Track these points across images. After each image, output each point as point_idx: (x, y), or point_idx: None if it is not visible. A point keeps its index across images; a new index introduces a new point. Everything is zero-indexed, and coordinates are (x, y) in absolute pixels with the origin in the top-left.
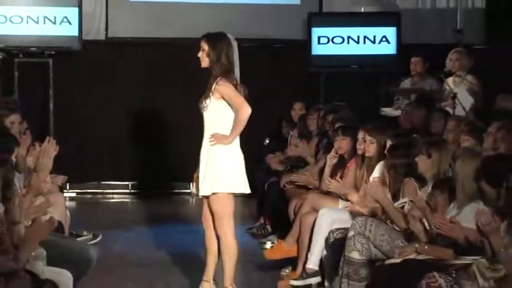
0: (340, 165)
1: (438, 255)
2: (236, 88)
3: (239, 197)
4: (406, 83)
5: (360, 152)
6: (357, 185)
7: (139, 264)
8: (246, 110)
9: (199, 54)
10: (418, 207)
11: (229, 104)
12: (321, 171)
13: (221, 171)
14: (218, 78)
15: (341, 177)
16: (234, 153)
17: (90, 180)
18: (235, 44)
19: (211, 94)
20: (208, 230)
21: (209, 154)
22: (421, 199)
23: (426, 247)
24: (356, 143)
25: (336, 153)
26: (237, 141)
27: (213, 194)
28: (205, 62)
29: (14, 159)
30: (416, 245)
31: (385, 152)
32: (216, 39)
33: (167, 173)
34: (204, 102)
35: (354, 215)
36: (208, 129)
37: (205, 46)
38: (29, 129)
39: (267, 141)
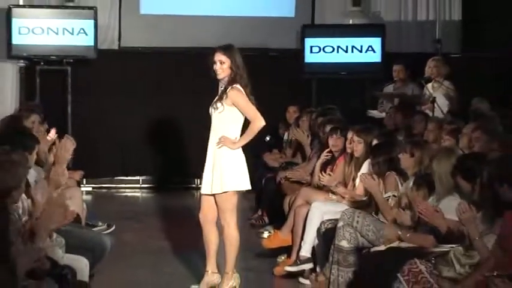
0: (329, 162)
1: (420, 243)
2: (248, 98)
3: (239, 190)
4: (389, 88)
5: (349, 150)
6: (345, 180)
7: (148, 252)
8: (260, 123)
9: (217, 67)
10: (407, 195)
11: (241, 111)
12: (313, 168)
13: (228, 171)
14: (233, 85)
15: (331, 171)
16: (237, 154)
17: (104, 176)
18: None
19: (224, 98)
20: (207, 224)
21: (215, 155)
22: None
23: (408, 235)
24: (344, 144)
25: (330, 152)
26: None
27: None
28: (224, 73)
29: (35, 156)
30: (399, 232)
31: (372, 149)
32: (234, 51)
33: (174, 169)
34: (215, 105)
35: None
36: (215, 131)
37: (224, 59)
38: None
39: (268, 138)
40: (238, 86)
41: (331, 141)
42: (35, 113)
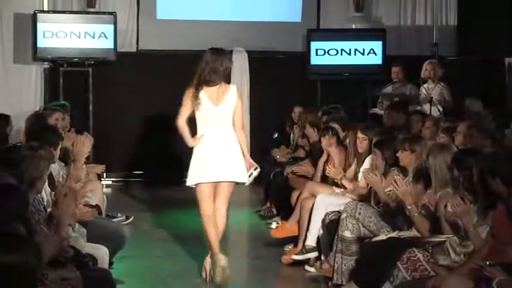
0: (326, 159)
1: (418, 223)
2: (195, 94)
3: (249, 184)
4: (388, 89)
5: (348, 146)
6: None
7: (165, 241)
8: (176, 122)
9: None
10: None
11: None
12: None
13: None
14: None
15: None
16: (195, 151)
17: (123, 170)
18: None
19: None
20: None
21: None
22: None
23: (416, 214)
24: (338, 140)
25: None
26: (204, 139)
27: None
28: None
29: (59, 152)
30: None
31: (375, 145)
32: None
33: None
34: None
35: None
36: None
37: None
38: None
39: (276, 135)
40: (190, 87)
41: (323, 141)
42: (58, 111)
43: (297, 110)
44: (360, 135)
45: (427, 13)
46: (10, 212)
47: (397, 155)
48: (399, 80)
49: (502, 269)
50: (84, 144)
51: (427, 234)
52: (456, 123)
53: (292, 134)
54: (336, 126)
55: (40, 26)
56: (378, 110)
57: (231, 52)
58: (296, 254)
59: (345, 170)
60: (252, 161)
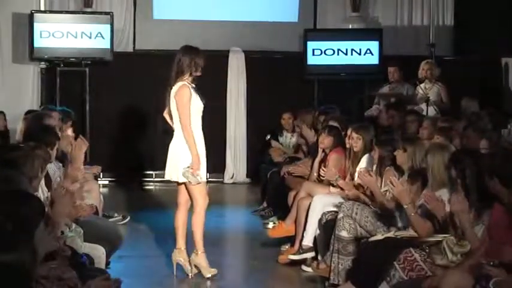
0: (322, 159)
1: (419, 225)
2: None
3: (245, 184)
4: (385, 89)
5: (348, 146)
6: (344, 173)
7: (162, 242)
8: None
9: None
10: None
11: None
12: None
13: None
14: None
15: (324, 167)
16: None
17: (120, 170)
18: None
19: None
20: None
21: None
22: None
23: (413, 214)
24: (337, 141)
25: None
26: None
27: None
28: None
29: (56, 151)
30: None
31: (374, 144)
32: None
33: None
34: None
35: (343, 199)
36: None
37: None
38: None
39: (268, 137)
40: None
41: (320, 139)
42: (55, 111)
43: (286, 116)
44: (353, 135)
45: (424, 13)
46: (8, 212)
47: (395, 153)
48: (396, 80)
49: (502, 268)
50: (79, 147)
51: (424, 234)
52: (453, 123)
53: (283, 138)
54: (335, 125)
55: (37, 26)
56: (372, 111)
57: (228, 52)
58: (293, 254)
59: (343, 170)
60: None
